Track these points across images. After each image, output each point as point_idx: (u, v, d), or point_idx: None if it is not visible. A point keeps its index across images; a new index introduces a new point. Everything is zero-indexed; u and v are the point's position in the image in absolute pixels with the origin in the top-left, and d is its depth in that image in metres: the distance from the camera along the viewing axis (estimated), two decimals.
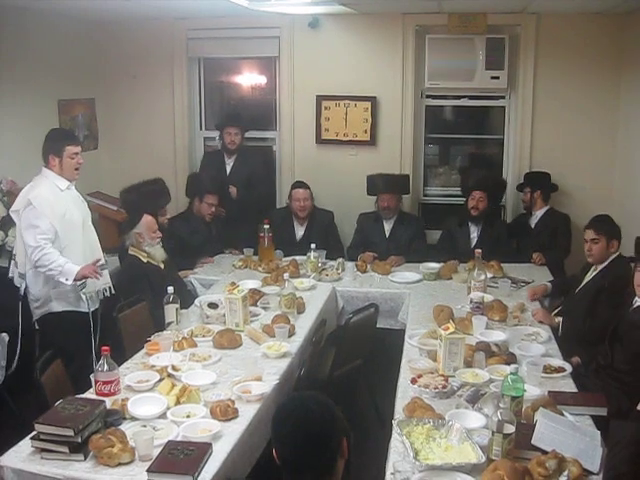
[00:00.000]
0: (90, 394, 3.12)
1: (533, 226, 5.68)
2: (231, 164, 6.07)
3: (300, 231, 5.84)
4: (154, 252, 4.66)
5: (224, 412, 2.89)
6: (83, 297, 4.29)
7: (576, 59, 5.79)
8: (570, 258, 5.42)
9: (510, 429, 2.49)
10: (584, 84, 5.82)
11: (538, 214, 5.68)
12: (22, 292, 4.28)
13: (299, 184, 5.83)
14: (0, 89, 5.06)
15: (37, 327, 4.33)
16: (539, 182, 5.73)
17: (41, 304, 4.27)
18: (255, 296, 4.46)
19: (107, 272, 4.55)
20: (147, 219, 4.68)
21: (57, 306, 4.29)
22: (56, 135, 4.38)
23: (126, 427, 2.78)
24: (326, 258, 5.40)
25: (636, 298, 3.60)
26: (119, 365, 3.29)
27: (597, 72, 5.78)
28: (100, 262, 4.33)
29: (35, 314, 4.31)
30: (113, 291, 4.55)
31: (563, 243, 5.52)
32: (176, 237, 5.37)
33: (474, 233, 5.56)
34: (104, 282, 4.48)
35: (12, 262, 4.39)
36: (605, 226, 4.29)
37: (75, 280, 4.11)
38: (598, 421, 2.89)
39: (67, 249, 4.19)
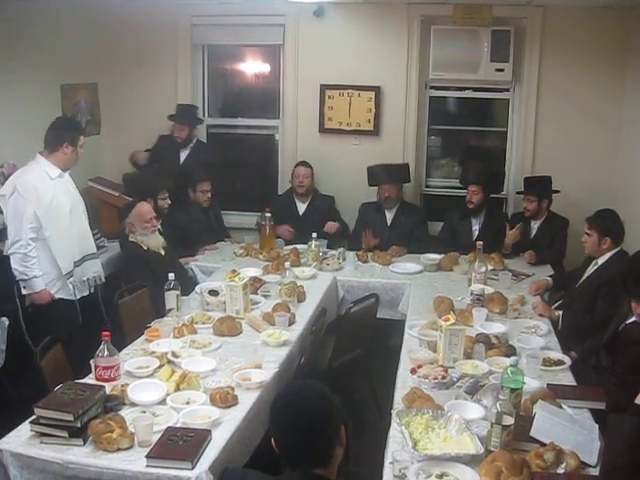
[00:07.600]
0: (90, 379, 3.14)
1: (532, 234, 5.44)
2: (187, 153, 6.13)
3: (302, 207, 5.93)
4: (147, 241, 4.65)
5: (224, 399, 2.90)
6: (70, 286, 4.25)
7: (582, 53, 5.75)
8: (568, 257, 5.33)
9: (509, 421, 2.50)
10: (589, 78, 5.78)
11: (538, 222, 5.42)
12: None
13: (301, 163, 5.97)
14: (3, 73, 5.04)
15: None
16: (546, 190, 5.38)
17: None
18: (256, 284, 4.46)
19: (99, 261, 4.54)
20: (139, 209, 4.65)
21: None
22: (71, 124, 4.41)
23: (126, 413, 2.80)
24: (327, 246, 5.43)
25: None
26: (119, 351, 3.30)
27: (602, 67, 5.74)
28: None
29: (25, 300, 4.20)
30: (103, 279, 4.53)
31: (559, 247, 5.30)
32: (176, 227, 5.39)
33: (476, 225, 5.56)
34: (94, 271, 4.46)
35: None
36: (600, 222, 4.25)
37: (29, 295, 4.08)
38: (596, 415, 2.90)
39: (51, 238, 4.11)
